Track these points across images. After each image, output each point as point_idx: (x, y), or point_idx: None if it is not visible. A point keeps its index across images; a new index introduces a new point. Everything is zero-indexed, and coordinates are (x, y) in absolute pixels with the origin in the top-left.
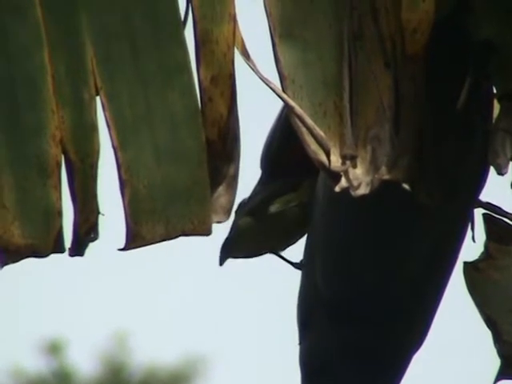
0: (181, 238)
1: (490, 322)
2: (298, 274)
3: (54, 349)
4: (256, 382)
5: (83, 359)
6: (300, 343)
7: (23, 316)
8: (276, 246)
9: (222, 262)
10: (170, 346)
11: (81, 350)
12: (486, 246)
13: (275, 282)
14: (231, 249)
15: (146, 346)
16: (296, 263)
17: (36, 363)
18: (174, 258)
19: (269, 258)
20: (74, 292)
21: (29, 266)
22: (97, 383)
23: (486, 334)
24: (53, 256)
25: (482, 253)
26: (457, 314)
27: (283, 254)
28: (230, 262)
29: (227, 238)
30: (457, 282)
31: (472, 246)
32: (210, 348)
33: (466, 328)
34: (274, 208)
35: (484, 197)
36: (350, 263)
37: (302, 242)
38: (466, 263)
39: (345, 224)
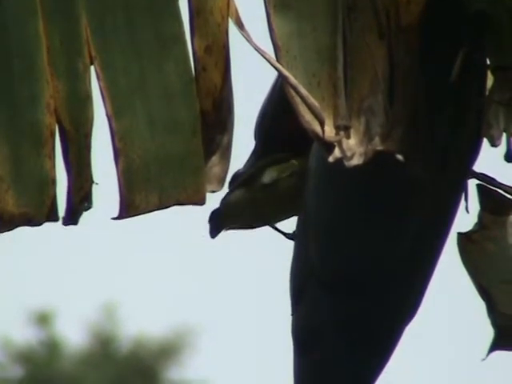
0: (174, 208)
1: (483, 292)
2: (290, 245)
3: (42, 319)
4: (246, 353)
5: (72, 330)
6: (292, 314)
7: (12, 287)
8: (270, 219)
9: (213, 235)
10: (158, 318)
11: (69, 321)
12: (480, 217)
13: (267, 252)
14: (223, 221)
15: (135, 318)
16: (289, 234)
17: (25, 334)
18: (164, 228)
19: (261, 228)
20: (63, 263)
21: (17, 235)
22: (85, 354)
23: (480, 305)
24: (42, 226)
25: (476, 223)
26: (450, 285)
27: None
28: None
29: (216, 210)
30: (451, 253)
31: (466, 217)
32: (198, 319)
33: (459, 299)
34: (267, 178)
35: (478, 168)
36: (343, 234)
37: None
38: (459, 234)
39: (338, 196)
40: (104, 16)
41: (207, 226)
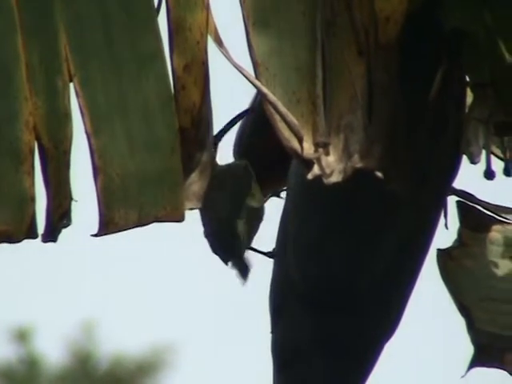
0: (153, 224)
1: (463, 309)
2: (269, 262)
3: (21, 336)
4: (225, 371)
5: (51, 347)
6: (272, 332)
7: None
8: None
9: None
10: (137, 336)
11: (48, 338)
12: (460, 234)
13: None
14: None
15: (113, 336)
16: (268, 252)
17: (3, 350)
18: (143, 245)
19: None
20: (42, 279)
21: None
22: (64, 372)
23: (460, 322)
24: (22, 242)
25: (456, 240)
26: (430, 302)
27: (254, 243)
28: (199, 248)
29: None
30: (430, 269)
31: (445, 234)
32: (177, 337)
33: (439, 315)
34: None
35: (458, 185)
36: (322, 252)
37: (274, 230)
38: (439, 250)
39: (317, 213)
40: (83, 33)
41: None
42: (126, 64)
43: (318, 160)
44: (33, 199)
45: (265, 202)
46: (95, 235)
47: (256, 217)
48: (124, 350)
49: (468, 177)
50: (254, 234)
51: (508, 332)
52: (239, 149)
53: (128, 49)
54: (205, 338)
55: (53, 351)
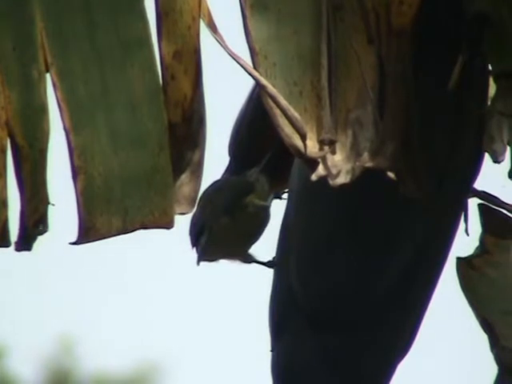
0: (139, 232)
1: (485, 324)
2: (269, 273)
3: None
4: None
5: (26, 367)
6: (272, 350)
7: None
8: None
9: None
10: (120, 353)
11: (23, 356)
12: (482, 240)
13: (243, 280)
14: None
15: (95, 353)
16: (268, 262)
17: None
18: (128, 255)
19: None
20: (15, 292)
21: None
22: None
23: (483, 338)
24: None
25: (477, 247)
26: (449, 316)
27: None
28: (187, 258)
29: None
30: (449, 280)
31: (466, 240)
32: (164, 355)
33: (459, 331)
34: (252, 207)
35: (479, 186)
36: (329, 263)
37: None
38: (459, 259)
39: (322, 219)
40: (61, 18)
41: (194, 252)
42: (108, 52)
43: (323, 159)
44: (5, 203)
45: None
46: (74, 243)
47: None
48: (106, 369)
49: (491, 177)
50: (255, 240)
51: None
52: (235, 147)
53: (111, 34)
54: (194, 355)
55: (28, 371)
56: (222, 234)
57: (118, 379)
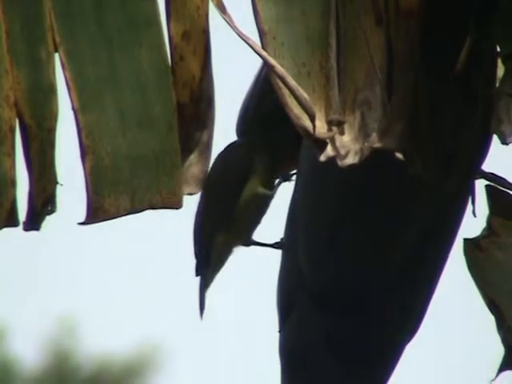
0: (146, 212)
1: (493, 306)
2: (275, 254)
3: None
4: (223, 374)
5: (26, 348)
6: (280, 331)
7: None
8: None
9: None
10: (122, 335)
11: (24, 338)
12: (489, 222)
13: (248, 260)
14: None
15: (96, 335)
16: (276, 243)
17: None
18: (132, 235)
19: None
20: (16, 272)
21: None
22: (41, 375)
23: (490, 319)
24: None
25: (484, 229)
26: (456, 298)
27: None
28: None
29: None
30: (456, 262)
31: (473, 222)
32: (167, 336)
33: (466, 312)
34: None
35: (487, 168)
36: (337, 244)
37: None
38: (466, 240)
39: (330, 200)
40: None
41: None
42: (117, 32)
43: (332, 140)
44: (13, 183)
45: (273, 187)
46: (83, 223)
47: (260, 203)
48: (108, 351)
49: (499, 159)
50: (257, 223)
51: None
52: (243, 127)
53: (119, 15)
54: (197, 336)
55: (29, 352)
56: (223, 251)
57: (120, 361)
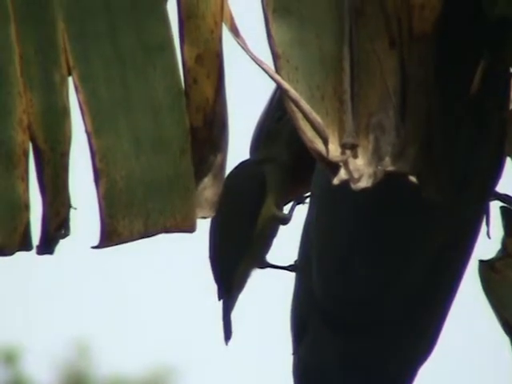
0: (159, 236)
1: (507, 327)
2: (291, 277)
3: (8, 358)
4: None
5: (41, 369)
6: (294, 354)
7: None
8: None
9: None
10: (136, 356)
11: (38, 359)
12: (504, 243)
13: (264, 283)
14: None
15: (110, 356)
16: (290, 266)
17: None
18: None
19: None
20: (31, 294)
21: None
22: None
23: (504, 341)
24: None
25: (499, 251)
26: (471, 319)
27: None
28: (204, 261)
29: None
30: (471, 283)
31: (488, 243)
32: (180, 358)
33: (480, 334)
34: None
35: (501, 190)
36: (351, 266)
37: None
38: (481, 262)
39: (344, 223)
40: (83, 21)
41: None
42: (130, 55)
43: (345, 163)
44: (27, 207)
45: (286, 208)
46: (96, 247)
47: (276, 225)
48: (122, 372)
49: None
50: (270, 246)
51: None
52: (257, 148)
53: (133, 38)
54: (210, 359)
55: (43, 373)
56: (243, 275)
57: (133, 383)
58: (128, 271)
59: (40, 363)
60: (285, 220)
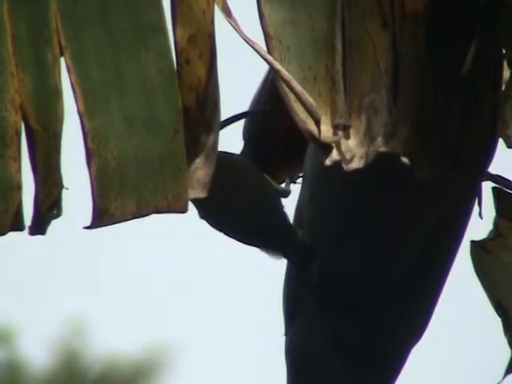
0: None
1: (499, 308)
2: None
3: (3, 338)
4: (231, 376)
5: (35, 349)
6: (286, 334)
7: None
8: None
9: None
10: (132, 336)
11: (33, 338)
12: (496, 224)
13: (256, 263)
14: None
15: (106, 335)
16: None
17: None
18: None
19: None
20: (26, 274)
21: None
22: (51, 375)
23: (496, 322)
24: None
25: (491, 231)
26: (463, 300)
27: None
28: (201, 239)
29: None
30: (463, 264)
31: (480, 224)
32: (176, 337)
33: (473, 314)
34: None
35: (494, 171)
36: (343, 247)
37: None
38: (473, 242)
39: (335, 203)
40: (75, 2)
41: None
42: (123, 35)
43: (338, 144)
44: (19, 187)
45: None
46: (88, 227)
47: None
48: (118, 351)
49: (504, 163)
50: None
51: None
52: (250, 131)
53: (126, 18)
54: (206, 337)
55: (38, 353)
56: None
57: (129, 362)
58: (124, 251)
59: (35, 343)
60: (285, 193)
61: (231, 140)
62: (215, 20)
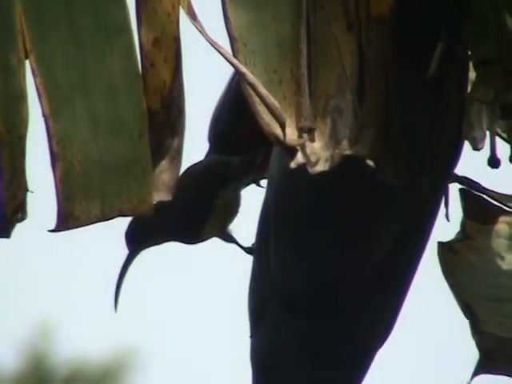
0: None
1: (467, 310)
2: (249, 259)
3: None
4: (198, 378)
5: (3, 352)
6: (251, 336)
7: None
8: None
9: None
10: (99, 339)
11: (0, 341)
12: (463, 225)
13: (222, 266)
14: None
15: (73, 338)
16: (247, 247)
17: None
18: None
19: (215, 239)
20: None
21: None
22: (18, 377)
23: (464, 324)
24: None
25: (458, 232)
26: (430, 301)
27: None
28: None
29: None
30: (430, 265)
31: (447, 225)
32: (143, 340)
33: (440, 317)
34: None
35: (461, 172)
36: (308, 248)
37: (254, 224)
38: (440, 244)
39: (300, 205)
40: (40, 3)
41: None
42: (88, 36)
43: (302, 147)
44: None
45: (241, 190)
46: (53, 231)
47: (229, 208)
48: (85, 354)
49: (470, 165)
50: (227, 227)
51: None
52: (214, 133)
53: (91, 21)
54: (173, 340)
55: (5, 355)
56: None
57: (95, 364)
58: (91, 253)
59: (2, 346)
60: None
61: (196, 144)
62: (180, 23)
